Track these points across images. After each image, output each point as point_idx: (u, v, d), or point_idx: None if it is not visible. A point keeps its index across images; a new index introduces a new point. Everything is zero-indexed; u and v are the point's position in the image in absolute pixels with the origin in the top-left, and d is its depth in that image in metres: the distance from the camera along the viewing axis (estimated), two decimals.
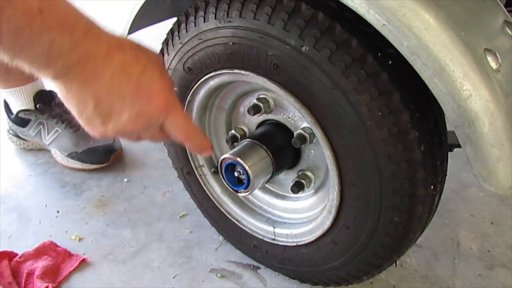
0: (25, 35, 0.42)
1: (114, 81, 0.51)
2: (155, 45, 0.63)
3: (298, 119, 0.71)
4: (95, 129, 0.55)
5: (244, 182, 0.70)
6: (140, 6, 0.71)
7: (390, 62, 0.54)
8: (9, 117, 1.28)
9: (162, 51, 0.77)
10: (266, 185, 0.83)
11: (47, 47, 0.44)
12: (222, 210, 0.87)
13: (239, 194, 0.76)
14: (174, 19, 0.74)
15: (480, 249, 0.94)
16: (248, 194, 0.75)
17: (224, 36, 0.64)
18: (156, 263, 0.91)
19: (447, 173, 0.66)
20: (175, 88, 0.76)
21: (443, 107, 0.48)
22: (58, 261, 0.90)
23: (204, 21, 0.66)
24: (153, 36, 0.84)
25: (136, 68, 0.52)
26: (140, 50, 0.54)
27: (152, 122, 0.56)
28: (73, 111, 0.55)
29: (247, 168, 0.68)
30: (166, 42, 0.75)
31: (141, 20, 0.76)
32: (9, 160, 1.27)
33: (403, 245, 0.65)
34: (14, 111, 1.26)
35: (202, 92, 0.75)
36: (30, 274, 0.86)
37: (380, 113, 0.54)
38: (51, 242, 0.94)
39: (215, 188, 0.86)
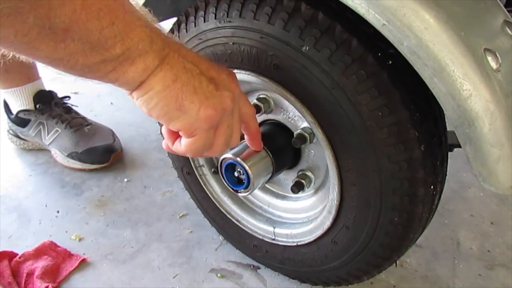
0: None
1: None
2: None
3: (298, 119, 0.71)
4: (216, 101, 0.52)
5: (244, 182, 0.70)
6: (140, 6, 0.71)
7: (390, 62, 0.54)
8: (9, 117, 1.29)
9: None
10: (266, 185, 0.83)
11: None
12: (222, 210, 0.87)
13: (239, 194, 0.76)
14: (174, 19, 0.74)
15: (480, 249, 0.94)
16: (248, 194, 0.75)
17: (224, 36, 0.64)
18: (156, 263, 0.91)
19: (447, 173, 0.66)
20: None
21: (443, 107, 0.48)
22: (58, 261, 0.90)
23: (204, 21, 0.66)
24: None
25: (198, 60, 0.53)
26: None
27: (236, 90, 0.55)
28: (188, 93, 0.49)
29: (247, 168, 0.68)
30: None
31: None
32: (9, 160, 1.27)
33: (403, 245, 0.65)
34: (14, 111, 1.26)
35: None
36: (30, 274, 0.86)
37: (380, 113, 0.54)
38: (51, 242, 0.94)
39: (215, 188, 0.86)
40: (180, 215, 1.04)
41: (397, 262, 0.84)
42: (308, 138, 0.68)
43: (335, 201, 0.66)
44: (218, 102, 0.52)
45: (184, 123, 0.51)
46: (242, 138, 0.74)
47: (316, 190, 0.76)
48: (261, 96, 0.72)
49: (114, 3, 0.42)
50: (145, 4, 0.71)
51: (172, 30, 0.73)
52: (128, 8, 0.44)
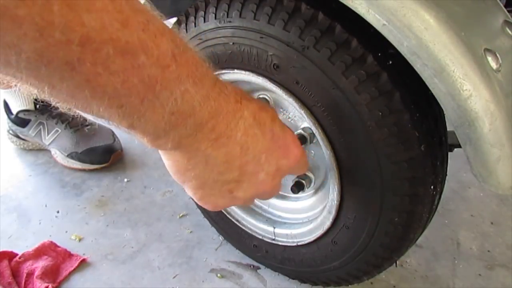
0: (157, 86, 0.34)
1: (249, 137, 0.43)
2: None
3: (298, 119, 0.71)
4: (220, 200, 0.47)
5: None
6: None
7: (390, 62, 0.54)
8: (9, 117, 1.28)
9: None
10: None
11: (178, 101, 0.36)
12: (222, 210, 0.87)
13: None
14: (174, 19, 0.74)
15: (480, 249, 0.94)
16: None
17: (224, 36, 0.64)
18: (156, 263, 0.91)
19: (447, 173, 0.66)
20: None
21: (443, 107, 0.48)
22: (58, 261, 0.90)
23: (204, 21, 0.66)
24: None
25: (267, 117, 0.45)
26: (253, 97, 0.47)
27: (287, 174, 0.49)
28: (191, 184, 0.45)
29: None
30: None
31: None
32: (9, 160, 1.27)
33: (403, 245, 0.65)
34: (14, 111, 1.26)
35: None
36: (30, 274, 0.86)
37: (380, 113, 0.54)
38: (51, 242, 0.94)
39: None
40: (180, 215, 1.04)
41: (397, 262, 0.84)
42: (308, 138, 0.68)
43: (335, 201, 0.66)
44: (222, 202, 0.47)
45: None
46: None
47: (316, 190, 0.76)
48: (261, 96, 0.72)
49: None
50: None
51: None
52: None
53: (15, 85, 0.32)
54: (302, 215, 0.79)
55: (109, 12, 0.29)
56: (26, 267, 0.87)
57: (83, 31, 0.28)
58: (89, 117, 0.37)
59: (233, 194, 0.46)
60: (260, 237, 0.82)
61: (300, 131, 0.69)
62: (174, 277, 0.88)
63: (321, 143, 0.62)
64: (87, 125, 1.25)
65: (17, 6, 0.25)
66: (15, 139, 1.30)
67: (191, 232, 0.99)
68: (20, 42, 0.27)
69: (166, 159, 0.45)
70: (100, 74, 0.31)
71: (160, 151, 0.44)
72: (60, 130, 1.22)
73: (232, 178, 0.44)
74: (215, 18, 0.64)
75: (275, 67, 0.60)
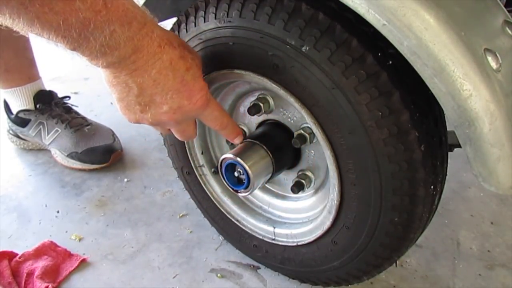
0: (91, 26, 0.46)
1: (161, 75, 0.55)
2: None
3: (298, 119, 0.71)
4: (132, 115, 0.60)
5: (244, 182, 0.70)
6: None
7: (390, 62, 0.54)
8: (9, 117, 1.29)
9: None
10: (266, 185, 0.83)
11: (107, 38, 0.48)
12: (222, 210, 0.87)
13: (239, 194, 0.76)
14: (174, 19, 0.74)
15: (480, 249, 0.94)
16: (248, 194, 0.75)
17: (224, 36, 0.64)
18: (156, 263, 0.91)
19: (447, 173, 0.66)
20: None
21: (443, 107, 0.48)
22: (58, 261, 0.90)
23: (204, 21, 0.66)
24: None
25: (183, 66, 0.56)
26: (186, 48, 0.59)
27: (188, 116, 0.61)
28: (115, 96, 0.59)
29: (247, 168, 0.68)
30: None
31: None
32: (9, 160, 1.27)
33: (403, 245, 0.65)
34: (14, 111, 1.26)
35: None
36: (30, 274, 0.86)
37: (380, 113, 0.54)
38: (51, 242, 0.94)
39: (215, 188, 0.86)
40: (180, 215, 1.04)
41: (397, 262, 0.84)
42: (308, 138, 0.68)
43: (335, 201, 0.66)
44: (133, 117, 0.61)
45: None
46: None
47: (316, 190, 0.76)
48: (261, 96, 0.72)
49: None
50: (145, 4, 0.71)
51: (172, 30, 0.73)
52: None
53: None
54: (302, 215, 0.79)
55: None
56: (26, 267, 0.87)
57: None
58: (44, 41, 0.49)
59: (142, 114, 0.59)
60: (260, 237, 0.82)
61: (300, 131, 0.69)
62: (174, 277, 0.88)
63: (321, 143, 0.62)
64: (87, 125, 1.25)
65: None
66: (15, 139, 1.30)
67: (191, 232, 0.99)
68: None
69: (103, 72, 0.56)
70: (46, 12, 0.43)
71: (101, 71, 0.56)
72: (60, 130, 1.22)
73: (143, 101, 0.57)
74: (215, 18, 0.64)
75: (275, 67, 0.60)
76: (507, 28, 0.52)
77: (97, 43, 0.48)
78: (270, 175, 0.72)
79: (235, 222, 0.85)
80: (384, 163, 0.57)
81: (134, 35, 0.50)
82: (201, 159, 0.85)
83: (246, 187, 0.70)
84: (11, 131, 1.30)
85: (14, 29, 0.47)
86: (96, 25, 0.46)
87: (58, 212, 1.05)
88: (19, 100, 1.24)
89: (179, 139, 0.69)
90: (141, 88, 0.55)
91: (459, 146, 0.51)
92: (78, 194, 1.12)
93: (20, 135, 1.29)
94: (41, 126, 1.23)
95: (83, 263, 0.91)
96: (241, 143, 0.72)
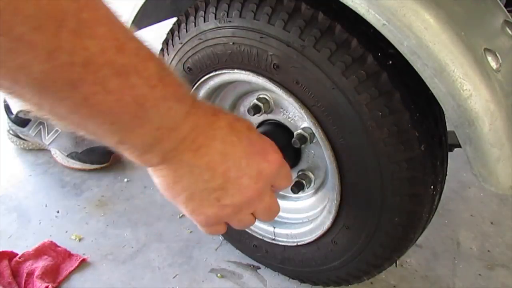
0: (146, 104, 0.38)
1: (227, 144, 0.46)
2: (155, 45, 0.63)
3: (298, 119, 0.71)
4: (210, 209, 0.48)
5: None
6: (140, 6, 0.71)
7: (390, 62, 0.54)
8: (9, 117, 1.28)
9: (162, 51, 0.77)
10: None
11: (164, 117, 0.40)
12: None
13: None
14: (174, 19, 0.74)
15: (480, 249, 0.94)
16: None
17: (224, 36, 0.64)
18: (156, 263, 0.91)
19: (447, 173, 0.66)
20: None
21: (443, 107, 0.48)
22: (58, 261, 0.90)
23: (204, 21, 0.66)
24: (153, 36, 0.83)
25: (242, 126, 0.49)
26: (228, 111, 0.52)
27: (270, 181, 0.51)
28: (182, 197, 0.48)
29: None
30: (166, 42, 0.75)
31: (141, 20, 0.76)
32: (9, 160, 1.27)
33: (403, 245, 0.65)
34: (14, 111, 1.26)
35: (202, 92, 0.75)
36: (30, 274, 0.86)
37: (380, 113, 0.54)
38: (51, 242, 0.94)
39: None
40: (180, 215, 1.04)
41: (397, 262, 0.84)
42: (308, 138, 0.68)
43: (335, 201, 0.65)
44: (212, 212, 0.49)
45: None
46: None
47: (316, 190, 0.76)
48: (261, 96, 0.72)
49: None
50: (145, 4, 0.71)
51: (172, 30, 0.73)
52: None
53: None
54: (302, 215, 0.79)
55: (108, 39, 0.34)
56: (26, 267, 0.87)
57: (86, 54, 0.33)
58: (80, 134, 0.41)
59: (221, 203, 0.48)
60: (260, 237, 0.82)
61: (300, 131, 0.69)
62: (174, 277, 0.88)
63: (321, 143, 0.62)
64: None
65: (33, 32, 0.29)
66: (15, 139, 1.30)
67: (191, 232, 0.99)
68: (31, 64, 0.31)
69: (156, 177, 0.47)
70: (97, 92, 0.35)
71: (150, 172, 0.47)
72: (60, 130, 1.22)
73: (217, 186, 0.47)
74: (215, 18, 0.64)
75: (275, 67, 0.60)
76: (507, 28, 0.52)
77: (153, 126, 0.40)
78: None
79: None
80: (384, 163, 0.57)
81: (190, 109, 0.43)
82: None
83: None
84: (11, 131, 1.30)
85: (38, 115, 0.38)
86: (152, 103, 0.38)
87: (58, 212, 1.05)
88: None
89: (264, 220, 0.55)
90: (211, 169, 0.46)
91: (459, 146, 0.51)
92: (78, 194, 1.12)
93: (20, 135, 1.29)
94: (41, 126, 1.23)
95: (83, 263, 0.91)
96: None
